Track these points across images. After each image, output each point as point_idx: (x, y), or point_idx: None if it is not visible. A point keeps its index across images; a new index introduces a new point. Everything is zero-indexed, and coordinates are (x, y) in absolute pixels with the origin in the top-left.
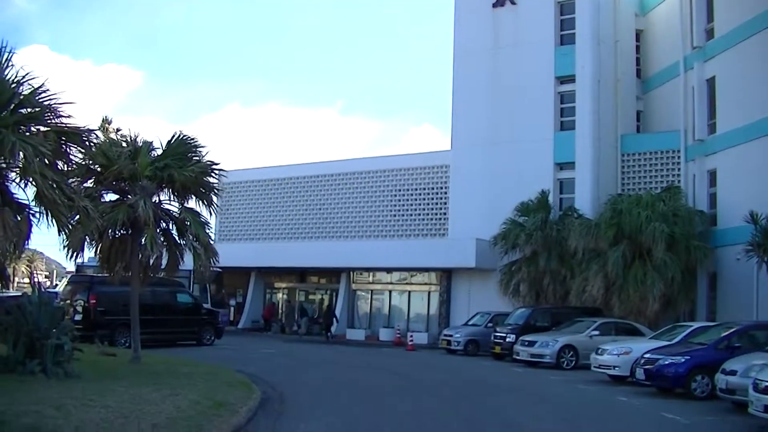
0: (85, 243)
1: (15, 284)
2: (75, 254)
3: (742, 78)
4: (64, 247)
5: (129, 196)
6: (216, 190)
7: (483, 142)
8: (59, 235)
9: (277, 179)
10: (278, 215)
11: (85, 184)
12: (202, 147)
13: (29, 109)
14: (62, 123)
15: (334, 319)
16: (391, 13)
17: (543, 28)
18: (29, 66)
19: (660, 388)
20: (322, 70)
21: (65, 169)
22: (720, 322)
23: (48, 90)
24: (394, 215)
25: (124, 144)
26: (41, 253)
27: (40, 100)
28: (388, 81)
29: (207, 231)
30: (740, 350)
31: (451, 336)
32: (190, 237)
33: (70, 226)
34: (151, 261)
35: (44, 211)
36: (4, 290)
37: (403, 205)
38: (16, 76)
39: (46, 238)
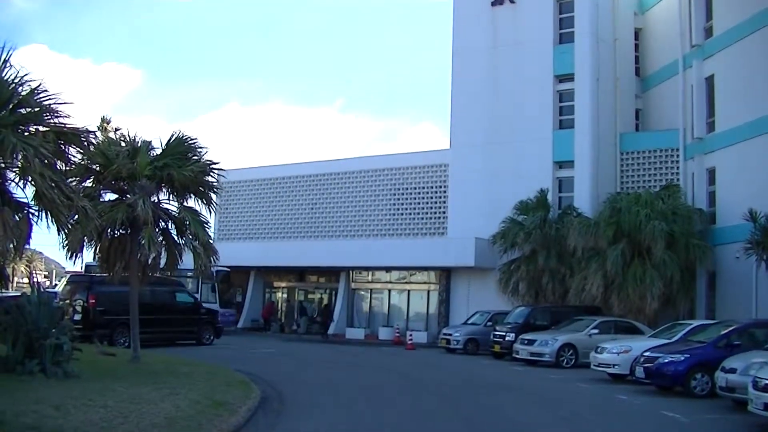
0: (85, 243)
1: (14, 284)
2: (74, 254)
3: (741, 76)
4: (64, 246)
5: (128, 196)
6: (215, 189)
7: (482, 141)
8: (59, 234)
9: (276, 178)
10: (277, 214)
11: (84, 184)
12: (201, 146)
13: (28, 109)
14: (61, 123)
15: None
16: (391, 13)
17: (542, 27)
18: (28, 65)
19: (660, 387)
20: (321, 68)
21: (64, 168)
22: (719, 320)
23: (47, 90)
24: (393, 214)
25: (122, 143)
26: (40, 252)
27: (39, 100)
28: (387, 80)
29: (206, 230)
30: (740, 348)
31: (450, 335)
32: (190, 236)
33: (69, 226)
34: (150, 260)
35: (43, 211)
36: (3, 290)
37: (402, 204)
38: (15, 76)
39: (45, 238)
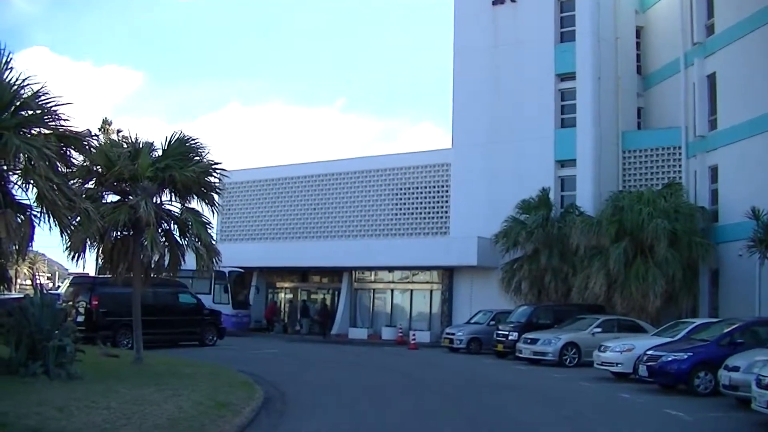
0: (87, 244)
1: (17, 286)
2: (77, 256)
3: (743, 74)
4: (66, 248)
5: (130, 197)
6: (217, 190)
7: (484, 140)
8: (61, 236)
9: (278, 179)
10: (280, 215)
11: (86, 186)
12: (203, 147)
13: (30, 112)
14: (63, 126)
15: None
16: (391, 12)
17: (543, 26)
18: (30, 68)
19: (663, 385)
20: (322, 68)
21: (66, 171)
22: (722, 319)
23: (48, 93)
24: (396, 214)
25: (124, 145)
26: (43, 254)
27: (41, 103)
28: (388, 79)
29: (209, 231)
30: (743, 346)
31: (453, 334)
32: (192, 237)
33: (71, 228)
34: (153, 262)
35: (45, 213)
36: (6, 292)
37: (405, 204)
38: (16, 79)
39: (48, 240)
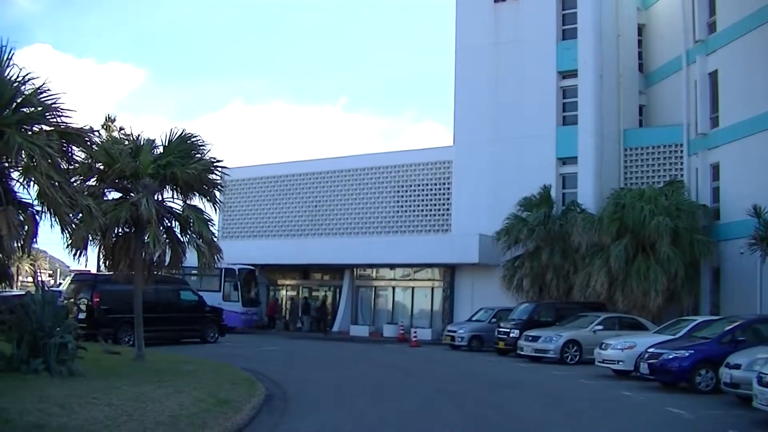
0: (89, 241)
1: (19, 283)
2: (78, 253)
3: (745, 71)
4: (68, 245)
5: (132, 194)
6: (219, 187)
7: (485, 138)
8: (62, 233)
9: (280, 176)
10: (281, 212)
11: (87, 183)
12: (205, 144)
13: (31, 109)
14: (64, 122)
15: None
16: (393, 11)
17: (544, 23)
18: (33, 65)
19: (664, 383)
20: (324, 67)
21: (67, 168)
22: (724, 316)
23: (50, 90)
24: (398, 211)
25: (126, 142)
26: (45, 251)
27: (42, 100)
28: (390, 78)
29: (210, 228)
30: (744, 344)
31: (454, 332)
32: (194, 234)
33: (73, 225)
34: (155, 259)
35: (47, 210)
36: (7, 289)
37: (406, 202)
38: (18, 76)
39: (49, 237)
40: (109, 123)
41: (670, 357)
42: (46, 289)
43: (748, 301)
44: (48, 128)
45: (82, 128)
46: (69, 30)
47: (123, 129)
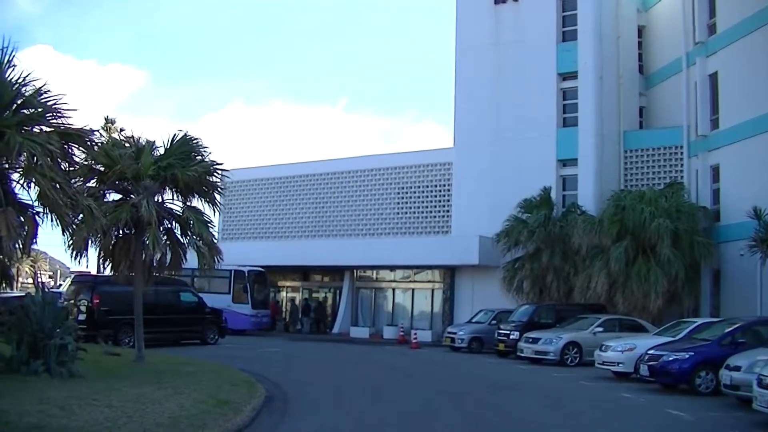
0: (89, 243)
1: (19, 284)
2: (79, 254)
3: (745, 73)
4: (68, 246)
5: (132, 196)
6: (219, 189)
7: (485, 139)
8: (63, 234)
9: (280, 178)
10: (281, 214)
11: (88, 184)
12: (205, 146)
13: (32, 110)
14: (65, 124)
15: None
16: (393, 11)
17: (545, 25)
18: (34, 66)
19: (664, 385)
20: (324, 67)
21: (68, 169)
22: (724, 318)
23: (50, 91)
24: (398, 213)
25: (127, 144)
26: (45, 253)
27: (43, 101)
28: (390, 78)
29: (210, 230)
30: (744, 346)
31: (454, 333)
32: (194, 236)
33: (73, 226)
34: (155, 260)
35: (47, 211)
36: (7, 290)
37: (407, 203)
38: (19, 77)
39: (49, 238)
40: (110, 124)
41: (670, 359)
42: (47, 290)
43: (748, 303)
44: (48, 129)
45: (82, 129)
46: (70, 31)
47: (123, 130)
